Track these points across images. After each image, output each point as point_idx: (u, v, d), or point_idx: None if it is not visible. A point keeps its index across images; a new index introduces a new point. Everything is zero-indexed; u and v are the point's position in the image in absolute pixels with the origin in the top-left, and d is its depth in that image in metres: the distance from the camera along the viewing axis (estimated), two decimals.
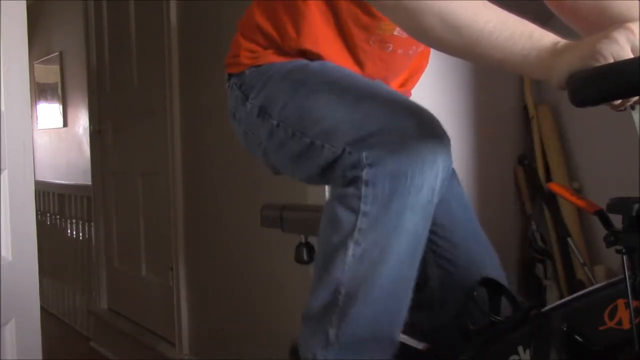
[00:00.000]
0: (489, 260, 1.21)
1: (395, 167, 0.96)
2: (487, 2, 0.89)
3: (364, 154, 0.98)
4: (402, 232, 0.98)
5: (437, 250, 1.20)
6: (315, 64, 1.13)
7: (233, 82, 1.21)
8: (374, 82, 1.13)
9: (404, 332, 1.26)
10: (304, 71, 1.12)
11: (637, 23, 0.78)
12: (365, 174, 0.97)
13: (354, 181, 0.99)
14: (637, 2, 1.04)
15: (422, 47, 1.25)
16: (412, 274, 1.02)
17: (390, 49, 1.16)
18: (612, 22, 0.90)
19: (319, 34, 1.13)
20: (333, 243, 1.02)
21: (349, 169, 1.00)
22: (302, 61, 1.14)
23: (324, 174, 1.06)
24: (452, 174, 1.20)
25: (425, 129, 0.99)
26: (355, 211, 0.99)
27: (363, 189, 0.98)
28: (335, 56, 1.14)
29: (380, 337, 1.03)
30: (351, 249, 0.99)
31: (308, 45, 1.13)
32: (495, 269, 1.20)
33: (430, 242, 1.16)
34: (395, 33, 1.14)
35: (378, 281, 0.99)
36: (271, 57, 1.16)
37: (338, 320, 1.01)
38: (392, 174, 0.96)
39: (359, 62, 1.16)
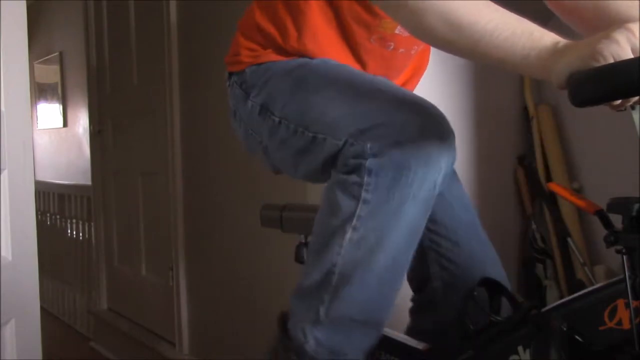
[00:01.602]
0: (490, 260, 1.21)
1: (400, 159, 0.96)
2: (489, 1, 0.89)
3: (368, 144, 0.98)
4: (401, 222, 0.99)
5: (439, 250, 1.20)
6: (317, 61, 1.13)
7: (234, 80, 1.21)
8: (378, 78, 1.13)
9: (405, 332, 1.27)
10: (306, 68, 1.12)
11: (637, 24, 0.79)
12: (369, 163, 0.97)
13: (357, 169, 0.99)
14: (637, 2, 1.04)
15: (422, 46, 1.25)
16: (406, 263, 1.04)
17: (392, 47, 1.16)
18: (612, 23, 0.91)
19: (320, 33, 1.13)
20: (331, 226, 1.02)
21: (352, 157, 0.99)
22: (304, 59, 1.14)
23: (326, 168, 1.06)
24: (453, 174, 1.20)
25: (430, 122, 0.99)
26: (356, 198, 0.99)
27: (366, 177, 0.98)
28: (336, 55, 1.14)
29: (368, 321, 1.04)
30: (349, 234, 1.00)
31: (309, 44, 1.13)
32: (496, 269, 1.21)
33: (432, 241, 1.17)
34: (397, 32, 1.14)
35: (373, 267, 1.00)
36: (272, 56, 1.16)
37: (329, 300, 1.02)
38: (396, 165, 0.96)
39: (360, 61, 1.16)
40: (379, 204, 0.98)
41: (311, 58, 1.14)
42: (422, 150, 0.96)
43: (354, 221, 1.00)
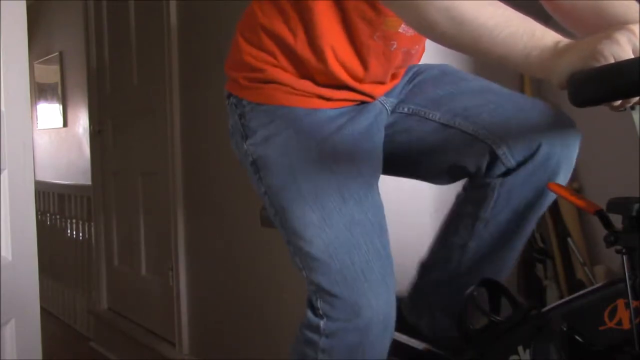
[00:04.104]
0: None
1: (350, 341, 1.09)
2: None
3: (322, 322, 1.11)
4: None
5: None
6: (321, 135, 1.14)
7: (232, 103, 1.21)
8: (365, 195, 1.15)
9: (405, 332, 1.27)
10: (304, 150, 1.14)
11: (638, 24, 0.79)
12: (322, 343, 1.11)
13: (314, 338, 1.13)
14: (636, 3, 1.04)
15: (422, 45, 1.25)
16: None
17: (395, 46, 1.16)
18: (611, 24, 0.91)
19: (326, 30, 1.12)
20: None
21: (313, 313, 1.13)
22: (305, 123, 1.15)
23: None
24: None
25: (385, 289, 1.11)
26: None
27: (320, 354, 1.12)
28: (340, 52, 1.14)
29: None
30: None
31: (317, 40, 1.13)
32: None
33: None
34: (400, 30, 1.14)
35: None
36: (272, 93, 1.15)
37: None
38: (348, 347, 1.10)
39: (362, 60, 1.16)
40: None
41: (315, 57, 1.14)
42: (371, 328, 1.09)
43: None
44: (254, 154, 1.17)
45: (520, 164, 1.19)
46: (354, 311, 1.08)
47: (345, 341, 1.10)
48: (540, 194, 1.21)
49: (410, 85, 1.28)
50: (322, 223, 1.11)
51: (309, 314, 1.15)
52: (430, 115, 1.24)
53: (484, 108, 1.22)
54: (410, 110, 1.25)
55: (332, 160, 1.13)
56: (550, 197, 1.22)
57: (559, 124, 1.21)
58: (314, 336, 1.13)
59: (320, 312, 1.12)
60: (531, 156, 1.18)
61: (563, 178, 1.21)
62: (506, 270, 1.28)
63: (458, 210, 1.29)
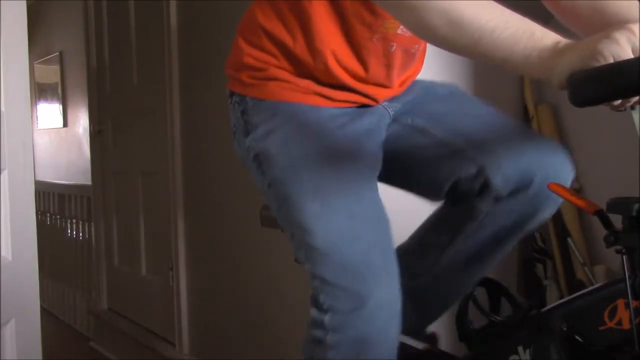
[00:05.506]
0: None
1: (356, 333, 1.08)
2: (491, 0, 0.89)
3: (326, 317, 1.10)
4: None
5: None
6: (323, 130, 1.14)
7: (235, 101, 1.21)
8: (366, 189, 1.15)
9: (405, 332, 1.27)
10: (306, 143, 1.14)
11: (638, 24, 0.79)
12: (329, 338, 1.10)
13: (320, 340, 1.11)
14: (637, 2, 1.04)
15: (423, 45, 1.25)
16: None
17: (394, 47, 1.16)
18: (611, 23, 0.91)
19: (325, 33, 1.13)
20: None
21: (317, 309, 1.12)
22: (308, 118, 1.15)
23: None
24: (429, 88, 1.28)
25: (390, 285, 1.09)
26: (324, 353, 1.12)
27: (329, 352, 1.10)
28: (340, 54, 1.14)
29: None
30: None
31: (315, 43, 1.13)
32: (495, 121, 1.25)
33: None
34: (399, 31, 1.14)
35: None
36: (274, 89, 1.16)
37: None
38: (355, 339, 1.08)
39: (362, 61, 1.16)
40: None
41: (314, 59, 1.14)
42: (373, 317, 1.07)
43: None
44: (256, 148, 1.16)
45: (511, 193, 1.19)
46: (357, 301, 1.07)
47: (351, 333, 1.08)
48: (524, 222, 1.22)
49: (418, 99, 1.28)
50: (323, 214, 1.10)
51: (314, 311, 1.14)
52: (432, 131, 1.23)
53: (486, 135, 1.22)
54: (414, 122, 1.25)
55: (333, 155, 1.13)
56: (534, 224, 1.22)
57: (555, 160, 1.20)
58: (320, 333, 1.11)
59: (325, 306, 1.11)
60: (524, 188, 1.17)
61: (550, 211, 1.21)
62: (472, 283, 1.28)
63: (444, 216, 1.30)
